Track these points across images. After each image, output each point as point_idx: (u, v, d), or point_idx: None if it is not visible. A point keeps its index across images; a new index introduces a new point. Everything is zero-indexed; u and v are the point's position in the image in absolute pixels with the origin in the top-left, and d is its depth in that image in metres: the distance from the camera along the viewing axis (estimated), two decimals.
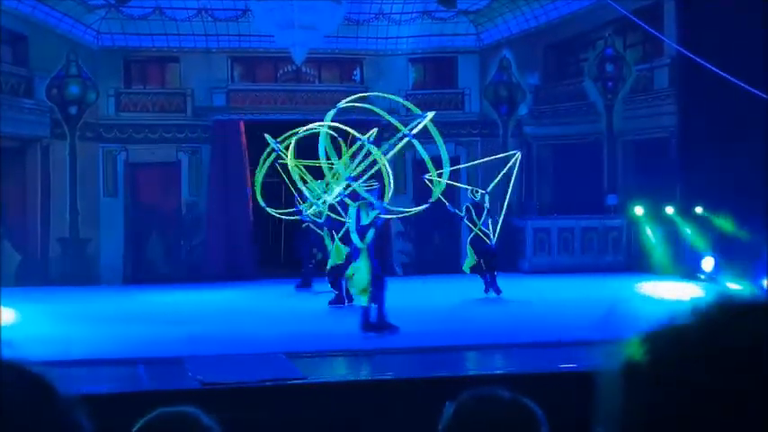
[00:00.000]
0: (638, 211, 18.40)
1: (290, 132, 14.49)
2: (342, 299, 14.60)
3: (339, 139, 13.99)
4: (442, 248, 20.19)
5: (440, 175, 13.67)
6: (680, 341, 1.05)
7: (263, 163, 15.26)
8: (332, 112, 12.89)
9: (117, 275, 18.94)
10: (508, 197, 16.51)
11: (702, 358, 1.01)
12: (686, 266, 17.11)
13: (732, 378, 0.99)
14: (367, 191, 12.47)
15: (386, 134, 18.35)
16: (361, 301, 12.02)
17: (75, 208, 18.87)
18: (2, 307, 12.96)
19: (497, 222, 16.00)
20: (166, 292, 16.79)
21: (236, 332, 11.95)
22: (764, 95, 12.76)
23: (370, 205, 12.28)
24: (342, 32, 19.94)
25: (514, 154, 17.05)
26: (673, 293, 14.96)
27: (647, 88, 19.08)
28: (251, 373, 8.81)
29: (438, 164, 13.69)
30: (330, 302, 14.76)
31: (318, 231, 15.77)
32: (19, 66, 18.93)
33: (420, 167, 19.58)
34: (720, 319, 1.05)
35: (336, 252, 15.05)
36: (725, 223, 16.04)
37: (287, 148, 14.30)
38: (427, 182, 14.67)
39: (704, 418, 0.99)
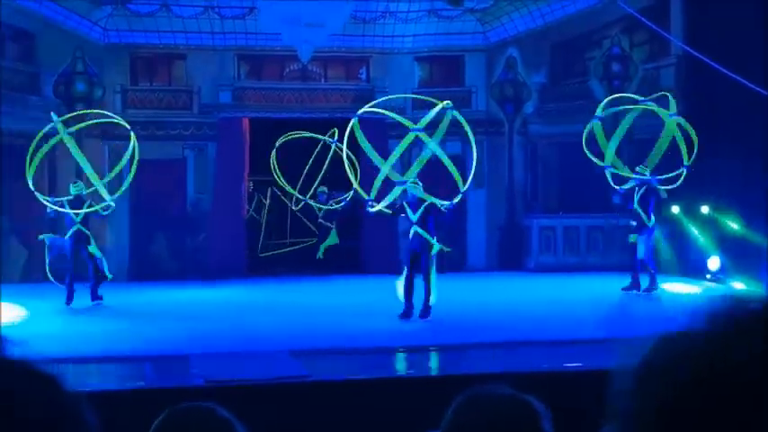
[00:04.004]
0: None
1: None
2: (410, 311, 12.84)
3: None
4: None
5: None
6: (693, 346, 1.05)
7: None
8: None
9: (122, 272, 18.94)
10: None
11: (720, 366, 1.01)
12: (692, 266, 17.08)
13: (745, 386, 0.99)
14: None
15: (393, 132, 18.41)
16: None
17: None
18: (9, 303, 13.01)
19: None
20: (171, 288, 16.81)
21: (241, 329, 11.96)
22: None
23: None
24: (348, 31, 19.92)
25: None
26: (678, 293, 14.96)
27: (653, 87, 19.03)
28: (255, 371, 8.82)
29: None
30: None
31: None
32: (26, 62, 18.96)
33: (428, 163, 19.58)
34: (736, 326, 1.05)
35: None
36: (733, 222, 16.02)
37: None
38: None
39: (719, 424, 0.99)
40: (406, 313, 12.73)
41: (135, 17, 19.59)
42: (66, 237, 14.77)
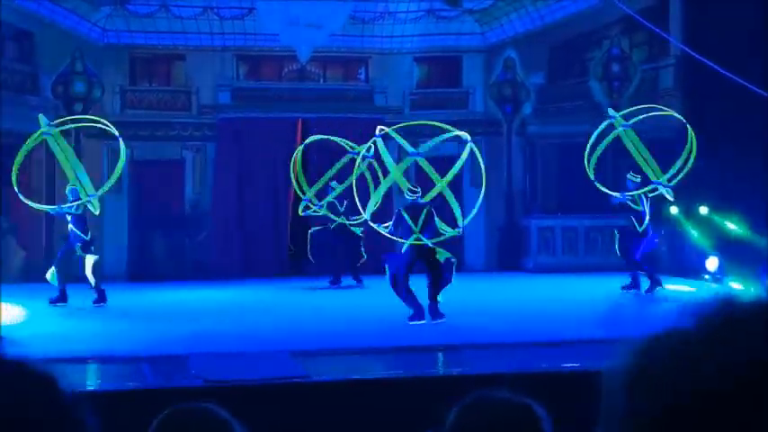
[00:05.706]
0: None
1: None
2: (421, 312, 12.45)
3: None
4: (446, 246, 20.13)
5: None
6: (686, 347, 1.04)
7: None
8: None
9: (121, 273, 18.94)
10: None
11: (711, 365, 1.00)
12: (690, 266, 17.08)
13: (740, 386, 0.98)
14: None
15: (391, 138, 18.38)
16: None
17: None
18: (9, 303, 12.99)
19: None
20: (170, 289, 16.80)
21: (240, 330, 11.96)
22: None
23: None
24: (347, 31, 19.94)
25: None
26: (677, 293, 14.95)
27: (652, 88, 19.04)
28: (254, 371, 8.82)
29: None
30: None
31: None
32: (25, 62, 18.96)
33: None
34: (728, 326, 1.04)
35: None
36: (732, 223, 16.02)
37: None
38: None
39: (714, 426, 0.99)
40: (418, 315, 12.37)
41: (134, 18, 19.60)
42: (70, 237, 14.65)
